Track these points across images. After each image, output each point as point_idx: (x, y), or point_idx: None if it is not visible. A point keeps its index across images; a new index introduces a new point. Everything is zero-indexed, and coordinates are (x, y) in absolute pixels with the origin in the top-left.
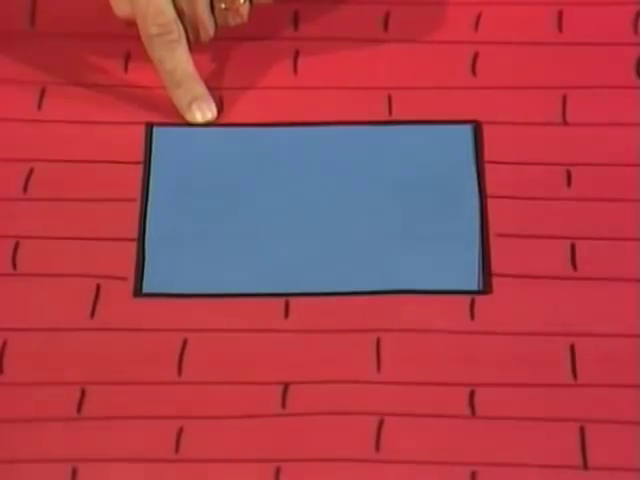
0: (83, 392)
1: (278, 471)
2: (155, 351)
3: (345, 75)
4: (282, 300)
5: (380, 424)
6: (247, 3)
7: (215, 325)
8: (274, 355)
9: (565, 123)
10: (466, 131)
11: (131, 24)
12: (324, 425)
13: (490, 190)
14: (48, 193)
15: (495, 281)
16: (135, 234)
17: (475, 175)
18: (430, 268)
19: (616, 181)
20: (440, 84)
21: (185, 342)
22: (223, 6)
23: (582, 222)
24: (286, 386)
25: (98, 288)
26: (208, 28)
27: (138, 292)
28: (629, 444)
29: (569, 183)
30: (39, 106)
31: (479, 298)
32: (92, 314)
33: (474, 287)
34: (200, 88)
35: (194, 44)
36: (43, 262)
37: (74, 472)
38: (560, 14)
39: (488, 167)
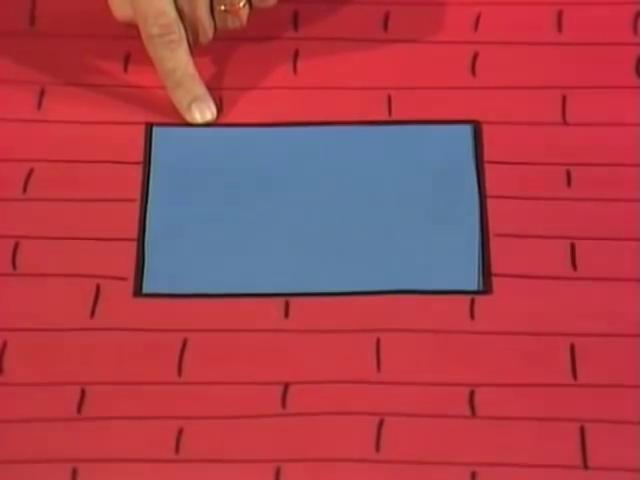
0: (83, 392)
1: (278, 471)
2: (155, 351)
3: (345, 75)
4: (282, 300)
5: (380, 424)
6: (247, 7)
7: (215, 325)
8: (274, 355)
9: (565, 123)
10: (466, 131)
11: (131, 25)
12: (324, 425)
13: (490, 190)
14: (48, 193)
15: (495, 281)
16: (135, 234)
17: (475, 175)
18: (430, 268)
19: (616, 181)
20: (440, 84)
21: (185, 342)
22: (223, 8)
23: (582, 222)
24: (286, 386)
25: (98, 288)
26: (207, 30)
27: (138, 292)
28: (629, 444)
29: (569, 183)
30: (39, 106)
31: (479, 298)
32: (92, 314)
33: (474, 287)
34: (200, 88)
35: (193, 46)
36: (43, 262)
37: (74, 472)
38: (560, 14)
39: (488, 167)
